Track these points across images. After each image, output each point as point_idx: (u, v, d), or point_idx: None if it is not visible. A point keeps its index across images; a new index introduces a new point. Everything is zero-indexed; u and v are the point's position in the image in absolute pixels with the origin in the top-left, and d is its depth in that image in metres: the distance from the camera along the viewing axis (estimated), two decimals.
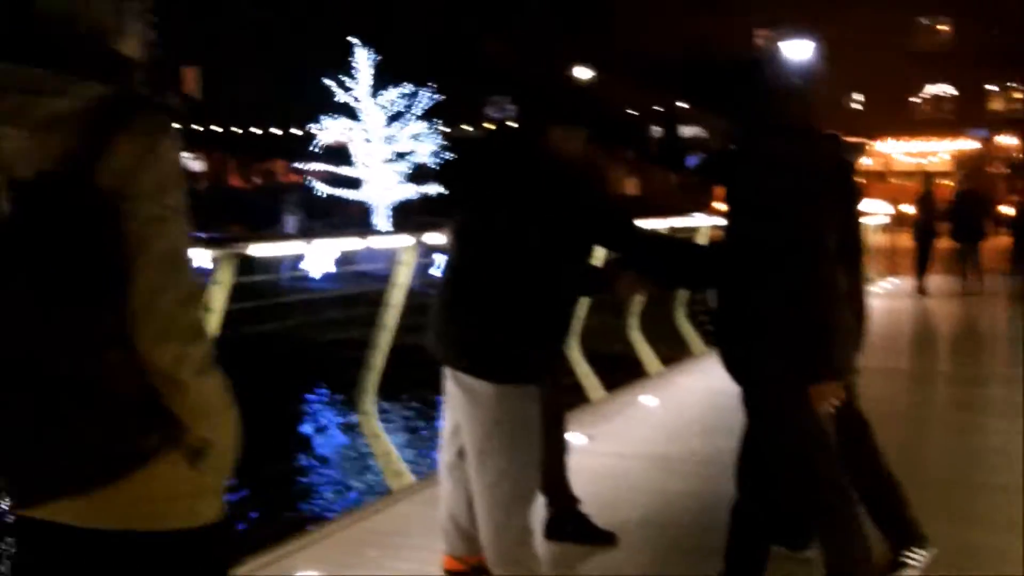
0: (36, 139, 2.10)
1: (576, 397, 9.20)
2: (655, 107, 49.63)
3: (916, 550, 5.02)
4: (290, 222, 34.20)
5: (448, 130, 38.75)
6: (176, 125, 2.18)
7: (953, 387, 11.19)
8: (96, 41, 2.25)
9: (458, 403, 4.38)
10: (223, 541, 2.37)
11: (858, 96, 52.61)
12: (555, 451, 5.60)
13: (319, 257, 10.88)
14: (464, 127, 48.83)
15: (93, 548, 2.24)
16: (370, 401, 6.80)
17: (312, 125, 37.06)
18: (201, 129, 56.70)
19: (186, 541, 2.26)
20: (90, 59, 2.22)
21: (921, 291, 19.51)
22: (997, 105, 55.44)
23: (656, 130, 57.43)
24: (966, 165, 48.50)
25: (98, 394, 2.13)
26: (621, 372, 10.65)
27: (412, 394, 13.67)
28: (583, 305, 8.72)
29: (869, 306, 5.26)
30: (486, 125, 50.94)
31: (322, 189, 36.31)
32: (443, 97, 37.21)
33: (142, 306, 2.13)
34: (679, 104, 54.83)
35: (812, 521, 4.52)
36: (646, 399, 9.63)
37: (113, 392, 2.14)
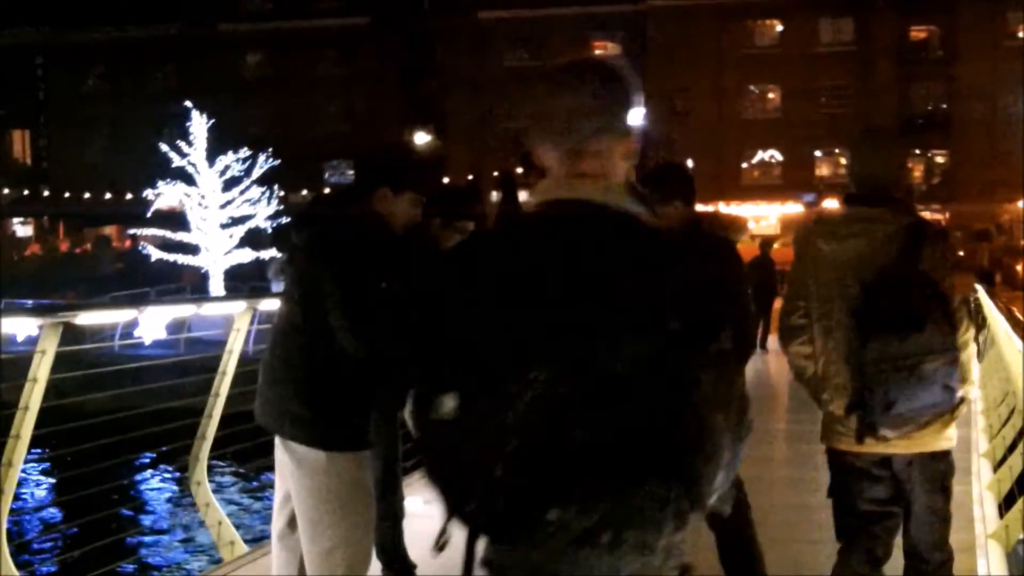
0: (873, 247, 4.19)
1: (413, 460, 9.14)
2: (494, 172, 50.12)
3: None
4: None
5: (284, 194, 38.43)
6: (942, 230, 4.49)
7: (785, 443, 11.46)
8: (889, 190, 4.32)
9: (288, 471, 4.26)
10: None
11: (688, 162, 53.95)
12: (391, 516, 5.56)
13: (151, 324, 10.67)
14: (304, 192, 48.48)
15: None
16: (202, 470, 6.66)
17: (148, 191, 36.45)
18: (27, 193, 55.30)
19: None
20: (893, 203, 4.28)
21: (762, 347, 20.08)
22: (824, 170, 57.37)
23: (495, 195, 57.91)
24: (794, 229, 50.04)
25: None
26: None
27: (245, 462, 13.43)
28: None
29: None
30: (327, 190, 50.70)
31: (156, 254, 35.64)
32: (279, 161, 36.99)
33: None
34: (517, 169, 55.48)
35: None
36: None
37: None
